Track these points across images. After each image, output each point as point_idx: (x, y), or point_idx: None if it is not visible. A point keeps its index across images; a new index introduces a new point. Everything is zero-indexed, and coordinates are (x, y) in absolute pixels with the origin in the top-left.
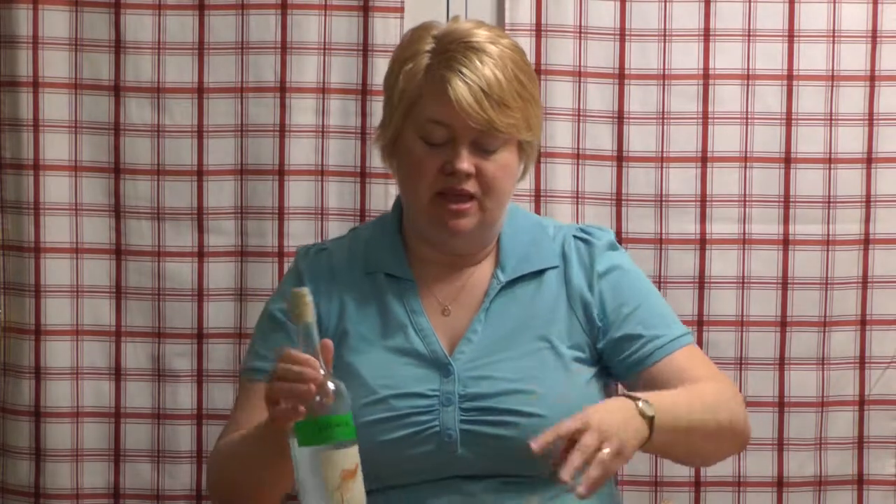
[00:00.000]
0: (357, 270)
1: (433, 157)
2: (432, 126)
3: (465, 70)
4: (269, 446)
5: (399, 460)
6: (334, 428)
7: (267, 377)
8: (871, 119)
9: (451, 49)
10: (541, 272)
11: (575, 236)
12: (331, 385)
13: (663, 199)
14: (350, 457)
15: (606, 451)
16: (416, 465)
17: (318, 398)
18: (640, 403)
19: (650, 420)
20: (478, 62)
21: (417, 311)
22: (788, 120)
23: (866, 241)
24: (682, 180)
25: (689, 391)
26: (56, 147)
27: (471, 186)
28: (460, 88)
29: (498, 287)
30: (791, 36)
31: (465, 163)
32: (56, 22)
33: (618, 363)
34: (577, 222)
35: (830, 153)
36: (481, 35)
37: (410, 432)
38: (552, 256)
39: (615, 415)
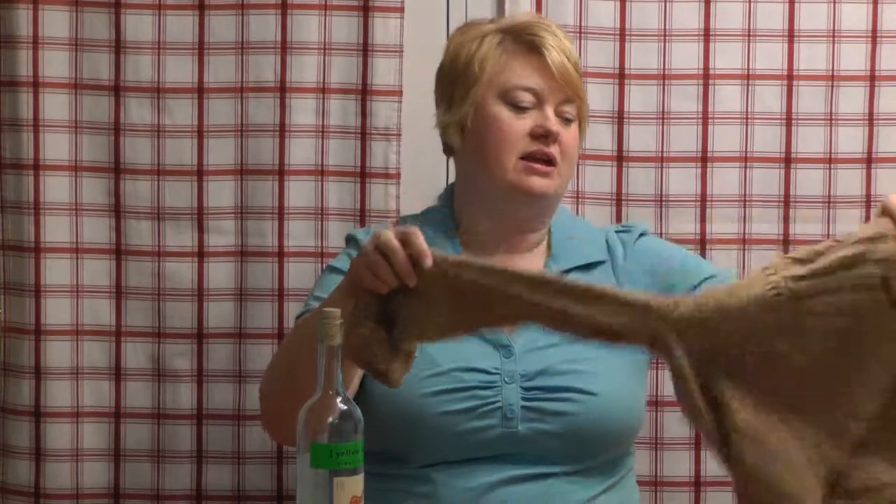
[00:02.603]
0: None
1: (520, 122)
2: (519, 92)
3: (547, 39)
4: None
5: (460, 432)
6: (352, 454)
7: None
8: (871, 119)
9: (522, 28)
10: (590, 266)
11: (616, 231)
12: (353, 411)
13: (663, 199)
14: (360, 484)
15: None
16: (476, 439)
17: (334, 420)
18: None
19: None
20: (553, 36)
21: None
22: (788, 120)
23: None
24: (682, 180)
25: None
26: (56, 147)
27: (555, 151)
28: (553, 51)
29: None
30: (791, 36)
31: (555, 124)
32: (56, 22)
33: None
34: None
35: (830, 153)
36: (542, 21)
37: (474, 404)
38: (599, 251)
39: None
